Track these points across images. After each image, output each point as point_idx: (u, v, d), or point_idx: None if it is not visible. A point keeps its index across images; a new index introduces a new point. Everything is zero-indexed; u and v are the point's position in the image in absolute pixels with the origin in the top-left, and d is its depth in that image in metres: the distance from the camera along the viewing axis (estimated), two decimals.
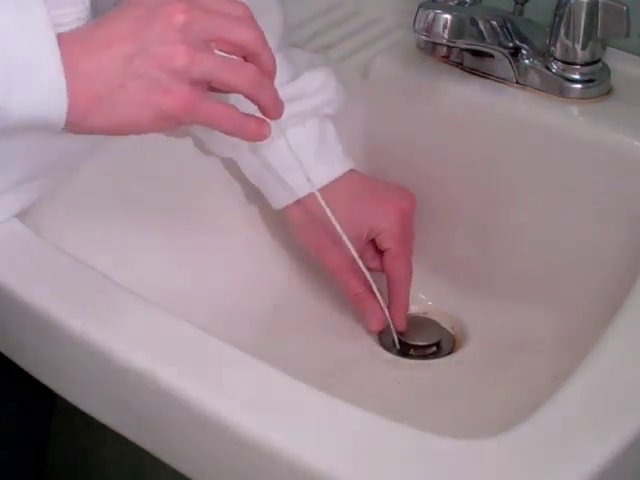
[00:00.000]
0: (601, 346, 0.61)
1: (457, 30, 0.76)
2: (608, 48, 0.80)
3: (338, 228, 0.74)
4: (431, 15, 0.76)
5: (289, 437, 0.56)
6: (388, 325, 0.79)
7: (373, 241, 0.79)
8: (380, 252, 0.79)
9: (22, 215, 0.71)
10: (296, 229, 0.80)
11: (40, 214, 0.73)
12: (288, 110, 0.71)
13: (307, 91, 0.78)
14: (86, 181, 0.76)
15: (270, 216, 0.83)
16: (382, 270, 0.79)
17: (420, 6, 0.76)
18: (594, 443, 0.55)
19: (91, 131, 0.61)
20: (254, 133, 0.64)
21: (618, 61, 0.81)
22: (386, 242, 0.78)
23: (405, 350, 0.79)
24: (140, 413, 0.63)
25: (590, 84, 0.79)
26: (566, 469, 0.54)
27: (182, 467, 0.62)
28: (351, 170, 0.79)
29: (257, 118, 0.64)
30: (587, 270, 0.76)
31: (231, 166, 0.83)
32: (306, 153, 0.77)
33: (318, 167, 0.77)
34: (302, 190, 0.77)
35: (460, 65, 0.83)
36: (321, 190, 0.75)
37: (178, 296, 0.74)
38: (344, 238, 0.74)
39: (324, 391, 0.58)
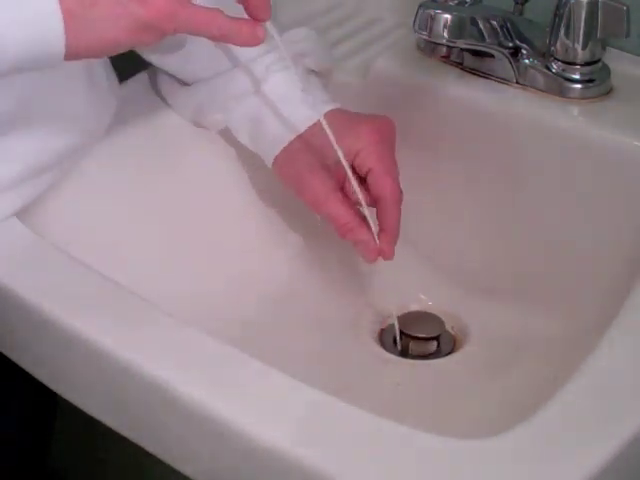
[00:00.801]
0: (601, 346, 0.61)
1: (457, 30, 0.76)
2: (608, 48, 0.80)
3: (333, 142, 0.72)
4: (431, 15, 0.76)
5: (289, 437, 0.56)
6: (388, 325, 0.79)
7: (355, 171, 0.75)
8: (364, 182, 0.75)
9: (22, 214, 0.71)
10: (279, 174, 0.77)
11: (40, 213, 0.73)
12: (270, 58, 0.72)
13: (287, 40, 0.77)
14: (86, 180, 0.76)
15: (270, 215, 0.83)
16: (368, 201, 0.75)
17: (420, 6, 0.77)
18: (594, 443, 0.55)
19: (77, 53, 0.60)
20: (247, 36, 0.63)
21: (618, 61, 0.81)
22: (366, 163, 0.74)
23: (405, 344, 0.79)
24: (140, 413, 0.63)
25: (590, 84, 0.79)
26: (566, 469, 0.54)
27: (182, 467, 0.62)
28: (336, 109, 0.77)
29: (248, 20, 0.63)
30: (587, 270, 0.76)
31: (230, 165, 0.83)
32: (290, 96, 0.76)
33: (303, 109, 0.76)
34: (288, 137, 0.76)
35: (460, 65, 0.83)
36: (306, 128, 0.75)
37: (178, 295, 0.73)
38: (338, 151, 0.72)
39: (324, 391, 0.58)
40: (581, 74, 0.79)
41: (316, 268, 0.82)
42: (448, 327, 0.80)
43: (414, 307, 0.81)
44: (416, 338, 0.78)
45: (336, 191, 0.74)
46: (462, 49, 0.82)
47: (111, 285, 0.66)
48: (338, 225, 0.74)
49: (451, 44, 0.80)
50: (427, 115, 0.83)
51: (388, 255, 0.74)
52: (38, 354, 0.68)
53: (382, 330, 0.80)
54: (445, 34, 0.76)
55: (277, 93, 0.77)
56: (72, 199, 0.75)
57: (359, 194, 0.73)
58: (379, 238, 0.74)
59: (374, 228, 0.74)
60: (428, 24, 0.76)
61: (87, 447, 1.15)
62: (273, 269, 0.82)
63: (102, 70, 0.76)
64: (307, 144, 0.76)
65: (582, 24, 0.77)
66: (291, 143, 0.76)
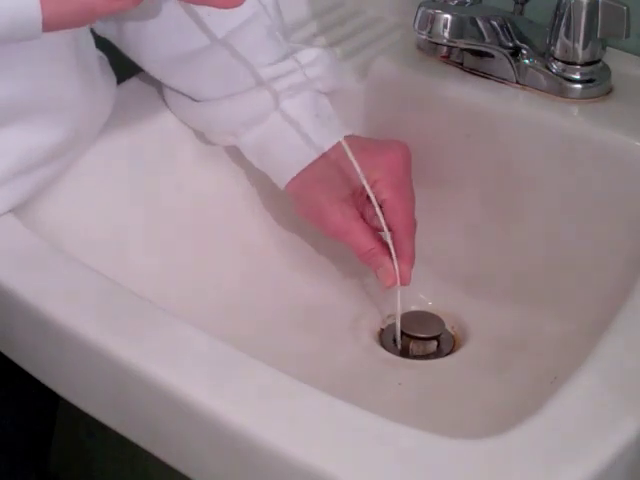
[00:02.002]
0: (601, 346, 0.61)
1: (457, 30, 0.76)
2: (608, 48, 0.80)
3: (358, 170, 0.73)
4: (431, 15, 0.76)
5: (289, 437, 0.56)
6: (388, 325, 0.79)
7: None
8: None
9: (20, 213, 0.71)
10: (295, 201, 0.78)
11: (38, 212, 0.73)
12: (281, 83, 0.72)
13: (298, 65, 0.77)
14: (84, 179, 0.76)
15: (269, 214, 0.83)
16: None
17: (420, 6, 0.77)
18: (594, 443, 0.55)
19: (56, 22, 0.59)
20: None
21: (618, 61, 0.81)
22: (381, 193, 0.76)
23: (405, 344, 0.79)
24: (140, 413, 0.63)
25: (590, 84, 0.79)
26: (566, 469, 0.54)
27: (182, 467, 0.62)
28: (350, 135, 0.78)
29: None
30: (587, 270, 0.76)
31: (230, 164, 0.83)
32: (303, 123, 0.77)
33: (317, 133, 0.77)
34: (302, 163, 0.77)
35: (460, 65, 0.83)
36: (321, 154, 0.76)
37: (177, 295, 0.74)
38: (363, 180, 0.73)
39: (324, 391, 0.58)
40: (581, 74, 0.79)
41: (316, 268, 0.82)
42: (448, 327, 0.80)
43: (414, 307, 0.81)
44: (416, 338, 0.78)
45: (357, 220, 0.76)
46: (462, 49, 0.82)
47: (110, 284, 0.66)
48: (361, 253, 0.76)
49: (451, 44, 0.80)
50: (427, 115, 0.83)
51: (406, 281, 0.76)
52: (37, 353, 0.68)
53: (382, 330, 0.80)
54: (445, 34, 0.76)
55: (290, 119, 0.77)
56: (70, 198, 0.75)
57: (382, 222, 0.75)
58: (397, 264, 0.76)
59: (393, 254, 0.76)
60: (428, 24, 0.76)
61: (85, 448, 1.15)
62: (273, 269, 0.82)
63: (96, 63, 0.76)
64: (323, 171, 0.77)
65: (582, 24, 0.77)
66: (306, 170, 0.77)
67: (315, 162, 0.77)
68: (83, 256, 0.68)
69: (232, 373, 0.60)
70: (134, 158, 0.79)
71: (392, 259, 0.76)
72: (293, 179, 0.77)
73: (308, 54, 0.79)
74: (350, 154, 0.72)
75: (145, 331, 0.63)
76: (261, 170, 0.80)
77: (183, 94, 0.80)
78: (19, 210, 0.71)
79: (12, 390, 0.83)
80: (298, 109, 0.77)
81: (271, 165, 0.79)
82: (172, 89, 0.81)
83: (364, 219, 0.77)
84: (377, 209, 0.74)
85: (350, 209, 0.76)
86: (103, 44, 0.79)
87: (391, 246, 0.76)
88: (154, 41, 0.78)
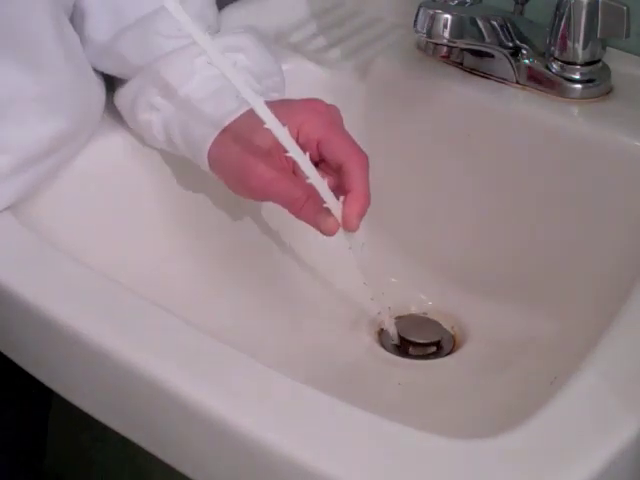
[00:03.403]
0: (601, 347, 0.61)
1: (457, 30, 0.76)
2: (608, 48, 0.80)
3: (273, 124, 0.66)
4: (431, 15, 0.76)
5: (289, 437, 0.56)
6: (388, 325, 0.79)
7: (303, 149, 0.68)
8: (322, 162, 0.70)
9: (19, 212, 0.71)
10: (216, 166, 0.73)
11: (37, 211, 0.73)
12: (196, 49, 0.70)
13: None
14: (83, 178, 0.76)
15: (269, 214, 0.83)
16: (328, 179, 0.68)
17: (420, 6, 0.77)
18: (594, 443, 0.55)
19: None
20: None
21: (618, 61, 0.81)
22: (313, 133, 0.68)
23: (405, 349, 0.79)
24: (140, 413, 0.63)
25: (590, 84, 0.79)
26: (566, 469, 0.54)
27: (182, 466, 0.62)
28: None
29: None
30: (587, 270, 0.76)
31: None
32: (216, 83, 0.74)
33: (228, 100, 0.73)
34: (221, 122, 0.72)
35: (460, 65, 0.83)
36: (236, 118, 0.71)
37: (177, 295, 0.74)
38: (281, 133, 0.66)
39: (324, 391, 0.58)
40: (581, 74, 0.79)
41: (316, 268, 0.82)
42: (448, 327, 0.80)
43: (414, 307, 0.81)
44: (416, 344, 0.78)
45: (285, 171, 0.69)
46: (462, 49, 0.82)
47: (109, 283, 0.66)
48: (290, 201, 0.69)
49: (451, 44, 0.80)
50: (427, 115, 0.83)
51: (351, 224, 0.67)
52: (37, 353, 0.68)
53: (382, 330, 0.80)
54: (445, 34, 0.76)
55: (204, 89, 0.74)
56: (69, 197, 0.75)
57: (302, 159, 0.66)
58: (344, 204, 0.67)
59: (333, 201, 0.67)
60: (428, 24, 0.76)
61: (85, 448, 1.15)
62: (273, 269, 0.82)
63: (84, 55, 0.76)
64: (240, 132, 0.71)
65: (582, 24, 0.77)
66: (222, 133, 0.72)
67: (233, 122, 0.72)
68: (82, 255, 0.68)
69: (233, 374, 0.60)
70: (133, 156, 0.79)
71: (331, 204, 0.67)
72: (212, 144, 0.72)
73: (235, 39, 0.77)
74: (260, 106, 0.66)
75: (145, 331, 0.63)
76: (190, 157, 0.76)
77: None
78: (17, 209, 0.72)
79: (12, 390, 0.83)
80: (211, 80, 0.74)
81: (191, 138, 0.74)
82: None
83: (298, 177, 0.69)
84: (290, 143, 0.66)
85: (275, 161, 0.69)
86: None
87: (323, 188, 0.67)
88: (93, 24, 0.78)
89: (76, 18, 0.77)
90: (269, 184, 0.69)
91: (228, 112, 0.72)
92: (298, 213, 0.69)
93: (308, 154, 0.67)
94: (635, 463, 0.57)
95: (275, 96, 0.75)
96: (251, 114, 0.68)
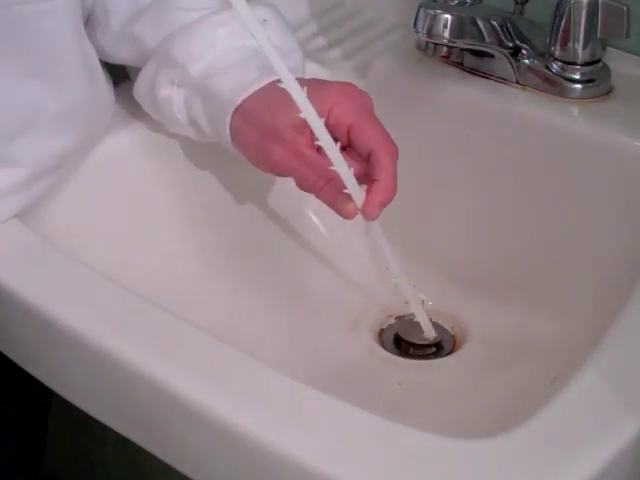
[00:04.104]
0: (601, 347, 0.61)
1: (457, 30, 0.76)
2: (608, 48, 0.80)
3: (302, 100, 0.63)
4: (431, 15, 0.76)
5: (289, 437, 0.56)
6: (388, 325, 0.79)
7: (332, 132, 0.66)
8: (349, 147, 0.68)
9: (22, 215, 0.71)
10: (235, 135, 0.71)
11: (40, 214, 0.73)
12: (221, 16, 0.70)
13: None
14: (86, 180, 0.76)
15: (269, 213, 0.83)
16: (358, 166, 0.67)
17: (420, 6, 0.77)
18: (594, 443, 0.55)
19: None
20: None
21: (618, 61, 0.81)
22: (343, 117, 0.67)
23: (404, 350, 0.79)
24: (140, 413, 0.63)
25: (590, 84, 0.79)
26: (566, 469, 0.54)
27: (182, 466, 0.62)
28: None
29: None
30: (587, 270, 0.76)
31: (230, 162, 0.83)
32: (245, 50, 0.72)
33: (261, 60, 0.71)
34: (243, 92, 0.70)
35: (460, 65, 0.83)
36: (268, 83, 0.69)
37: (177, 295, 0.74)
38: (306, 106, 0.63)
39: (324, 391, 0.58)
40: (581, 74, 0.79)
41: (316, 267, 0.82)
42: (448, 327, 0.80)
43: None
44: (414, 345, 0.78)
45: (309, 147, 0.67)
46: (462, 49, 0.82)
47: (110, 284, 0.66)
48: (311, 180, 0.67)
49: (451, 44, 0.80)
50: (427, 115, 0.83)
51: (372, 212, 0.66)
52: (38, 354, 0.68)
53: (382, 330, 0.80)
54: (445, 34, 0.76)
55: (227, 59, 0.72)
56: (72, 199, 0.75)
57: (327, 141, 0.64)
58: (368, 192, 0.66)
59: (356, 190, 0.66)
60: (428, 24, 0.76)
61: (86, 448, 1.15)
62: (273, 269, 0.82)
63: (98, 63, 0.76)
64: (263, 104, 0.69)
65: (582, 24, 0.77)
66: (243, 104, 0.70)
67: (256, 93, 0.70)
68: (83, 256, 0.68)
69: (233, 374, 0.60)
70: (134, 159, 0.79)
71: (349, 180, 0.65)
72: (234, 115, 0.70)
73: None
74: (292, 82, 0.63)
75: (146, 331, 0.63)
76: (202, 127, 0.74)
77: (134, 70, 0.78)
78: (22, 212, 0.72)
79: (12, 390, 0.83)
80: (239, 38, 0.72)
81: (213, 108, 0.72)
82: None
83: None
84: (316, 123, 0.64)
85: (299, 136, 0.67)
86: None
87: (348, 179, 0.65)
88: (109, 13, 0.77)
89: (99, 15, 0.76)
90: (291, 160, 0.68)
91: (250, 82, 0.70)
92: (318, 193, 0.67)
93: (339, 144, 0.66)
94: (635, 463, 0.57)
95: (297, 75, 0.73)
96: (274, 86, 0.67)
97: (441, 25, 0.76)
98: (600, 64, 0.79)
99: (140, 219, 0.78)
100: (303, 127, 0.66)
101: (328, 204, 0.68)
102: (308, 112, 0.64)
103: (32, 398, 0.86)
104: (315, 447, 0.55)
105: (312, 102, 0.64)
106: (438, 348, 0.79)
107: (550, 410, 0.57)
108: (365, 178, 0.67)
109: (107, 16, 0.76)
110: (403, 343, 0.78)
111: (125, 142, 0.79)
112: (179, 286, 0.77)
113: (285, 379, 0.59)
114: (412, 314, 0.77)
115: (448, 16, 0.76)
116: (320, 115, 0.65)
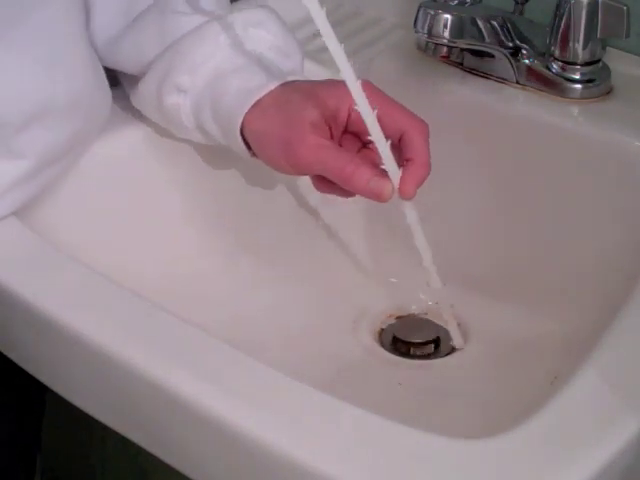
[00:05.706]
0: (601, 347, 0.61)
1: (457, 30, 0.76)
2: (608, 48, 0.80)
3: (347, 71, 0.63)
4: (431, 15, 0.76)
5: (289, 437, 0.56)
6: (388, 325, 0.79)
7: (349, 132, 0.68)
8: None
9: (21, 214, 0.71)
10: (251, 137, 0.71)
11: (40, 213, 0.73)
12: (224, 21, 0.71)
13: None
14: (85, 179, 0.76)
15: (270, 213, 0.83)
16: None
17: (420, 6, 0.77)
18: (594, 443, 0.55)
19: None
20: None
21: (618, 61, 0.81)
22: (370, 103, 0.66)
23: (404, 350, 0.79)
24: (140, 413, 0.63)
25: (590, 84, 0.79)
26: (566, 469, 0.54)
27: (182, 466, 0.62)
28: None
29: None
30: (587, 270, 0.76)
31: (230, 162, 0.83)
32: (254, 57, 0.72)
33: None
34: (254, 95, 0.70)
35: (460, 65, 0.83)
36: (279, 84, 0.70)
37: (179, 296, 0.74)
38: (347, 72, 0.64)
39: (324, 391, 0.58)
40: (581, 74, 0.79)
41: (316, 267, 0.82)
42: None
43: (414, 307, 0.81)
44: (412, 344, 0.78)
45: (339, 138, 0.68)
46: (462, 49, 0.82)
47: (110, 285, 0.66)
48: (342, 166, 0.67)
49: (451, 44, 0.80)
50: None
51: (408, 191, 0.67)
52: (37, 353, 0.68)
53: (382, 330, 0.80)
54: (445, 34, 0.76)
55: (232, 63, 0.72)
56: (73, 199, 0.75)
57: (372, 119, 0.65)
58: (403, 171, 0.67)
59: (394, 168, 0.66)
60: (428, 24, 0.76)
61: (85, 448, 1.15)
62: (273, 269, 0.82)
63: (96, 57, 0.76)
64: (278, 104, 0.69)
65: (582, 24, 0.77)
66: (256, 106, 0.70)
67: (267, 95, 0.70)
68: (83, 256, 0.68)
69: (233, 374, 0.60)
70: (135, 157, 0.79)
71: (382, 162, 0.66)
72: (249, 117, 0.70)
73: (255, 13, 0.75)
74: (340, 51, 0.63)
75: (146, 331, 0.63)
76: (210, 133, 0.74)
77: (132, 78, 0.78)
78: (19, 210, 0.71)
79: (11, 390, 0.83)
80: (255, 40, 0.73)
81: (223, 112, 0.72)
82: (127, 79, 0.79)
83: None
84: (362, 100, 0.64)
85: (320, 132, 0.68)
86: None
87: (387, 157, 0.66)
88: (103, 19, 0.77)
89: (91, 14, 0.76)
90: (319, 151, 0.67)
91: (259, 85, 0.71)
92: (350, 179, 0.67)
93: (390, 142, 0.66)
94: (635, 463, 0.57)
95: (296, 78, 0.73)
96: (284, 87, 0.69)
97: (441, 25, 0.76)
98: (600, 64, 0.79)
99: (140, 219, 0.78)
100: (322, 124, 0.68)
101: (359, 190, 0.67)
102: (366, 113, 0.65)
103: (30, 398, 0.86)
104: (315, 447, 0.55)
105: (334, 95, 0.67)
106: (437, 347, 0.79)
107: (550, 410, 0.57)
108: (397, 160, 0.67)
109: (93, 20, 0.76)
110: (403, 343, 0.78)
111: (126, 142, 0.79)
112: (179, 286, 0.76)
113: (285, 379, 0.59)
114: (425, 313, 0.77)
115: (448, 16, 0.76)
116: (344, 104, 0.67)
